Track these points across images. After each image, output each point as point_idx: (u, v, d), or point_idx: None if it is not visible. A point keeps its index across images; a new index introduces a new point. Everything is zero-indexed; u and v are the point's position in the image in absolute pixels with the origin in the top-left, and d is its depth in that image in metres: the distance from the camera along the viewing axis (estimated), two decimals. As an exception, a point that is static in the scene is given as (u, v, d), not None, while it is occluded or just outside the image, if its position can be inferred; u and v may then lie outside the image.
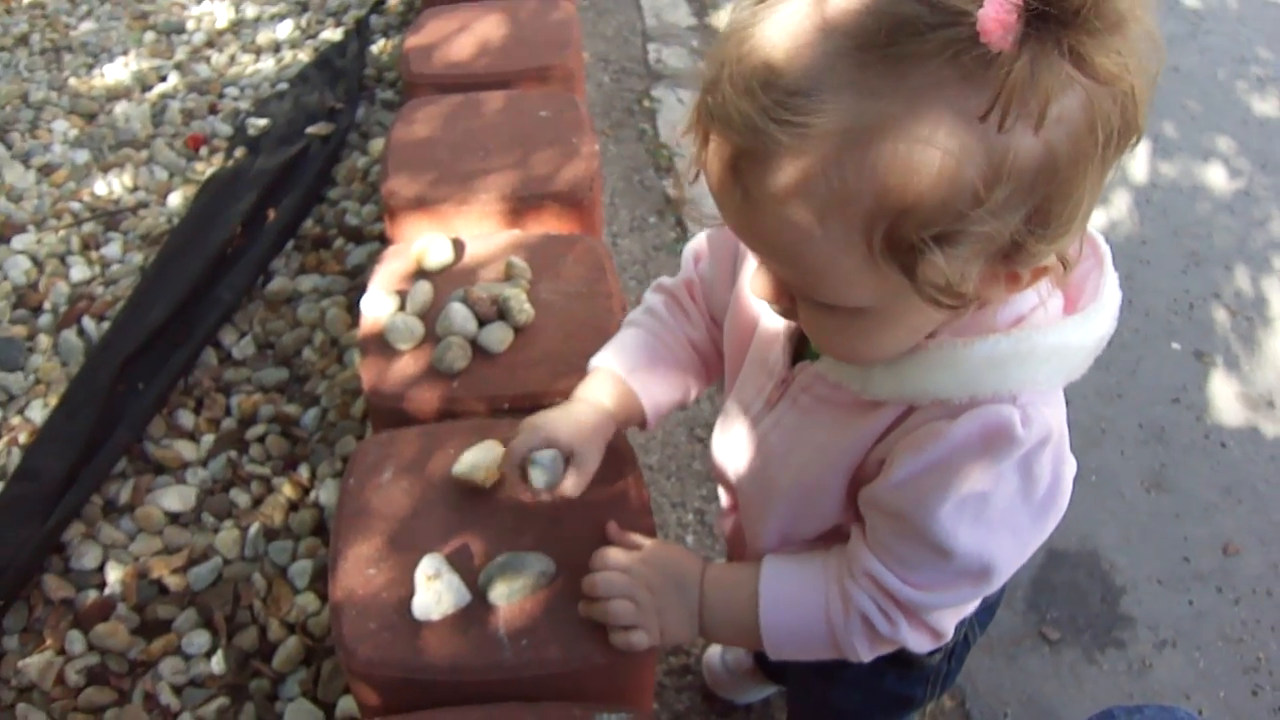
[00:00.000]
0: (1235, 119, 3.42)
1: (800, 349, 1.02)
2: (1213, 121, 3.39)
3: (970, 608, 1.08)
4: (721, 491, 1.26)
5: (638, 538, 1.18)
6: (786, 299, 0.86)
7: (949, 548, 0.89)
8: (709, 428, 2.25)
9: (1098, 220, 2.93)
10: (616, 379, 1.19)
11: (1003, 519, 0.88)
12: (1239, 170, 3.20)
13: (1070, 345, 0.85)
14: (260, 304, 2.27)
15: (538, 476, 1.10)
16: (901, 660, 1.18)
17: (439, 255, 1.64)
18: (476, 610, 1.16)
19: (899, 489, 0.89)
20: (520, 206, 1.81)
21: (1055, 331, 0.85)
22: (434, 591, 1.14)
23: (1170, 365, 2.55)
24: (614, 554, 1.13)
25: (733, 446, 1.11)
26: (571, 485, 1.11)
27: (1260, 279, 2.81)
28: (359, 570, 1.20)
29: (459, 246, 1.69)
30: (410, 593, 1.16)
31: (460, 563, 1.19)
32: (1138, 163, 3.18)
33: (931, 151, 0.66)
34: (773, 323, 1.03)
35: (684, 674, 1.87)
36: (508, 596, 1.15)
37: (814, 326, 0.87)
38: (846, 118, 0.66)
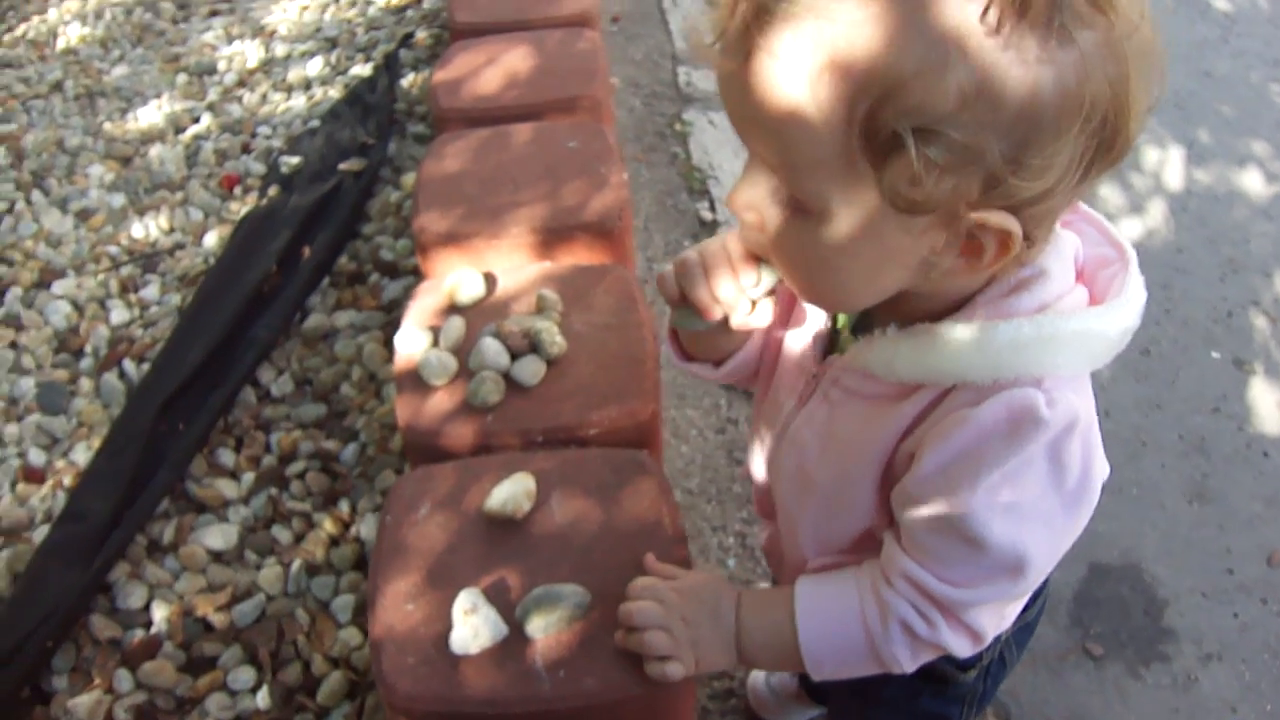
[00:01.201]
0: (1270, 123, 3.39)
1: (830, 346, 1.05)
2: (1247, 126, 3.37)
3: (1010, 616, 1.08)
4: (758, 502, 1.27)
5: (672, 569, 1.18)
6: (757, 212, 0.88)
7: (982, 538, 0.90)
8: (747, 451, 2.26)
9: (1134, 230, 2.95)
10: None
11: (1034, 508, 0.90)
12: (1275, 175, 3.17)
13: (1093, 332, 0.87)
14: (297, 341, 2.30)
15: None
16: (937, 679, 1.19)
17: (470, 290, 1.66)
18: (513, 643, 1.17)
19: (929, 481, 0.91)
20: (550, 238, 1.83)
21: (1079, 318, 0.87)
22: (471, 625, 1.15)
23: (1210, 375, 2.53)
24: (648, 584, 1.14)
25: (768, 449, 1.13)
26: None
27: (1299, 285, 2.79)
28: (397, 606, 1.22)
29: (490, 280, 1.71)
30: (448, 627, 1.17)
31: (497, 596, 1.20)
32: (1173, 170, 3.16)
33: (931, 43, 0.70)
34: (805, 324, 1.07)
35: (728, 698, 1.87)
36: (544, 629, 1.16)
37: (778, 245, 0.89)
38: None
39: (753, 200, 0.87)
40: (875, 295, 0.89)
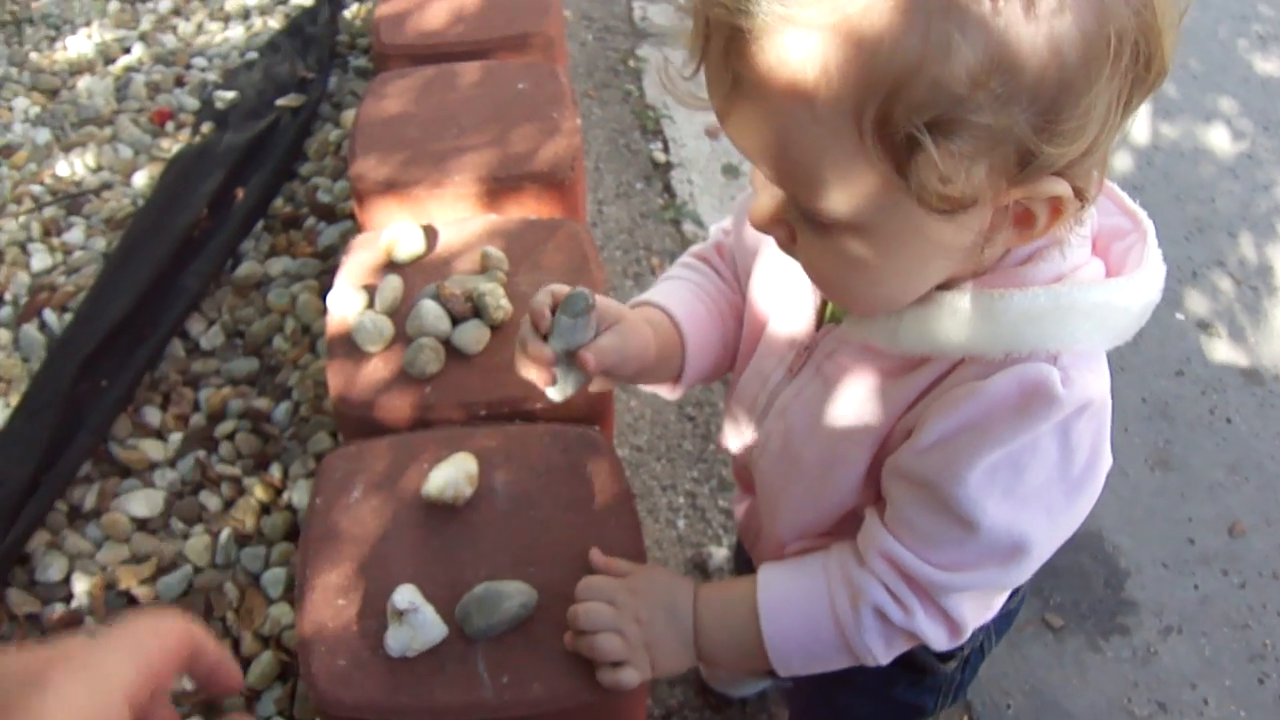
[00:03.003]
0: (1237, 78, 3.32)
1: (824, 313, 0.96)
2: (1214, 81, 3.30)
3: (996, 606, 1.02)
4: (736, 475, 1.19)
5: (624, 563, 1.10)
6: (784, 227, 0.81)
7: (975, 519, 0.83)
8: (699, 406, 2.19)
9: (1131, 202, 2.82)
10: (663, 314, 1.08)
11: (1036, 493, 0.83)
12: (1242, 132, 3.11)
13: (1114, 305, 0.80)
14: (228, 290, 2.18)
15: (566, 325, 0.93)
16: (915, 668, 1.13)
17: (409, 246, 1.55)
18: (453, 645, 1.08)
19: (927, 454, 0.84)
20: (497, 188, 1.72)
21: (1098, 290, 0.80)
22: (407, 626, 1.06)
23: (1173, 336, 2.48)
24: (599, 582, 1.06)
25: (749, 422, 1.05)
26: (607, 345, 0.96)
27: (1265, 246, 2.73)
28: (328, 601, 1.12)
29: (431, 235, 1.60)
30: (382, 626, 1.08)
31: (435, 592, 1.11)
32: (1138, 124, 3.10)
33: (926, 27, 0.62)
34: (796, 289, 0.97)
35: (678, 668, 1.81)
36: (486, 630, 1.07)
37: (812, 259, 0.81)
38: None
39: (775, 215, 0.80)
40: (924, 289, 0.81)
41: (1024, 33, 0.62)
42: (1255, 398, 2.34)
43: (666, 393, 1.12)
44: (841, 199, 0.72)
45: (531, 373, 0.97)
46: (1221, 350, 2.45)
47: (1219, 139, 3.08)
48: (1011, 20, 0.62)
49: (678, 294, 1.10)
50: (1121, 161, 2.98)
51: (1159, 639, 1.94)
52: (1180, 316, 2.52)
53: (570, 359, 0.94)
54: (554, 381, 0.96)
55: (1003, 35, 0.62)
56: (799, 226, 0.79)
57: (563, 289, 0.95)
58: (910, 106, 0.64)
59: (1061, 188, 0.70)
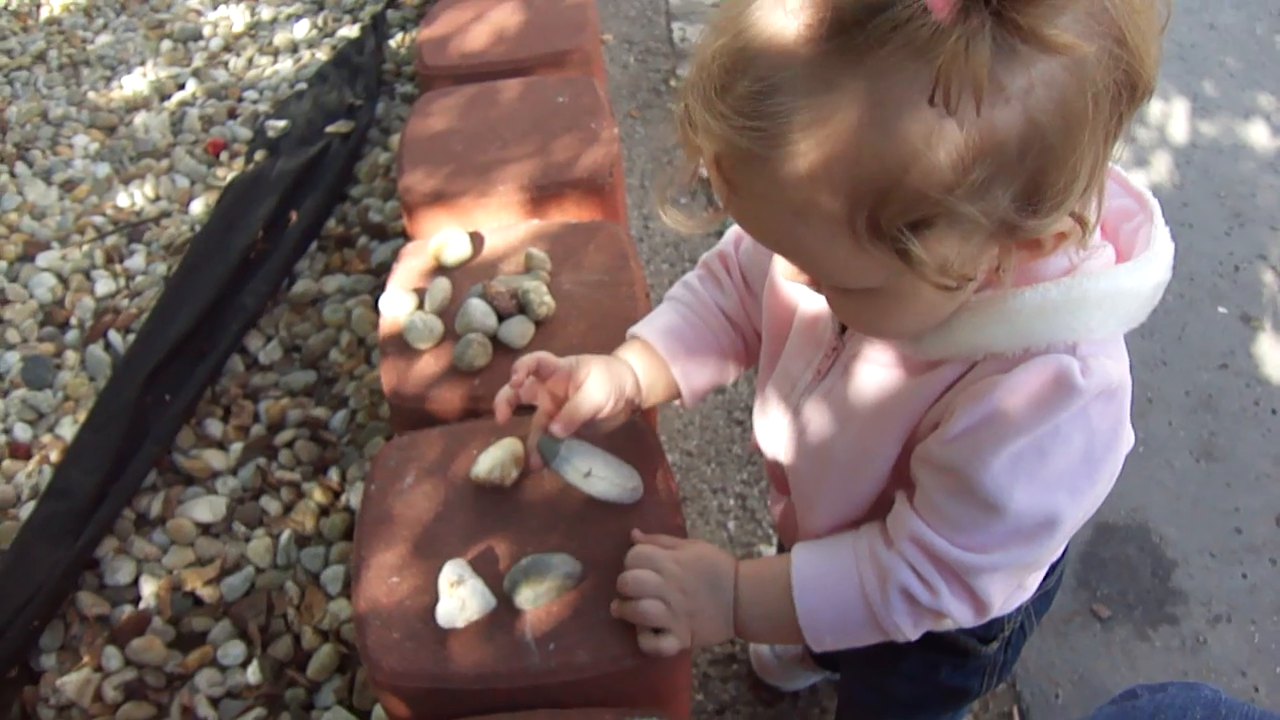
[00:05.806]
0: (1275, 75, 3.31)
1: None
2: (1253, 79, 3.29)
3: (1031, 585, 1.05)
4: (771, 476, 1.23)
5: (669, 539, 1.14)
6: (809, 278, 0.85)
7: (1001, 504, 0.86)
8: (748, 410, 2.22)
9: (1138, 184, 2.81)
10: (650, 351, 1.18)
11: (1060, 476, 0.85)
12: (1281, 127, 3.11)
13: (1124, 290, 0.82)
14: (285, 307, 2.25)
15: (561, 459, 1.13)
16: (959, 651, 1.16)
17: (456, 250, 1.61)
18: (502, 615, 1.13)
19: (953, 443, 0.86)
20: (540, 196, 1.77)
21: (1107, 277, 0.82)
22: (458, 598, 1.11)
23: (1217, 330, 2.48)
24: (648, 551, 1.10)
25: (781, 423, 1.08)
26: (579, 403, 1.11)
27: (1306, 238, 2.73)
28: (382, 579, 1.18)
29: (477, 240, 1.66)
30: (434, 600, 1.13)
31: (484, 567, 1.16)
32: (1177, 123, 3.10)
33: (896, 136, 0.64)
34: (816, 295, 1.00)
35: (730, 663, 1.84)
36: (533, 600, 1.12)
37: (836, 305, 0.87)
38: (806, 114, 0.65)
39: (795, 272, 0.85)
40: (945, 316, 0.84)
41: (1000, 119, 0.64)
42: (1301, 388, 2.34)
43: (679, 403, 1.21)
44: (850, 279, 0.77)
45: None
46: (1265, 343, 2.44)
47: (1258, 135, 3.07)
48: (983, 113, 0.64)
49: (662, 323, 1.20)
50: (1160, 160, 2.98)
51: (1208, 628, 1.94)
52: (1223, 310, 2.52)
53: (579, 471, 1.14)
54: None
55: (980, 130, 0.64)
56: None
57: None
58: (896, 210, 0.67)
59: (1064, 224, 0.73)
